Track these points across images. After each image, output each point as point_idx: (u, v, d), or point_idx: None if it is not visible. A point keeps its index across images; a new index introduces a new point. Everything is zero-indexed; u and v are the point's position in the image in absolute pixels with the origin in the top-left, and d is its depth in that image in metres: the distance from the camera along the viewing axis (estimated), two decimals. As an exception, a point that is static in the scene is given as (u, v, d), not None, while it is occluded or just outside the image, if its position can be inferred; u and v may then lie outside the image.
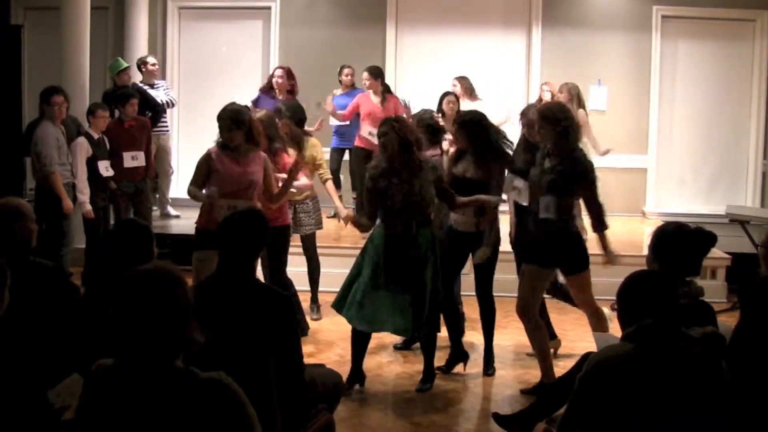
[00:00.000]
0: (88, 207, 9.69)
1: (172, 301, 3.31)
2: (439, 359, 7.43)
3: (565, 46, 13.97)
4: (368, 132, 11.07)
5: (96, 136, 9.94)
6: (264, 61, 14.32)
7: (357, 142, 11.64)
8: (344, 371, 6.78)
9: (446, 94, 11.12)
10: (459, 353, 7.56)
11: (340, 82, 12.24)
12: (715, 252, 8.36)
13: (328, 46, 13.78)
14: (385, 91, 11.68)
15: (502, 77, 13.64)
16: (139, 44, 13.51)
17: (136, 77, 12.30)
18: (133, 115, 10.39)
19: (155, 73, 12.25)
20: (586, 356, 4.69)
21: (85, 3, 11.31)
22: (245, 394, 3.34)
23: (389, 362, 7.79)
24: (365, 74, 11.77)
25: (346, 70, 12.18)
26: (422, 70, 13.97)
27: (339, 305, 7.00)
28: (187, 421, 3.20)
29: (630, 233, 12.03)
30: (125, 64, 11.81)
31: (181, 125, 14.05)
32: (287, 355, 4.53)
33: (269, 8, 14.33)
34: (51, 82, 10.20)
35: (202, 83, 14.06)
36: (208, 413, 3.23)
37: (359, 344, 7.11)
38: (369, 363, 7.66)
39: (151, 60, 12.25)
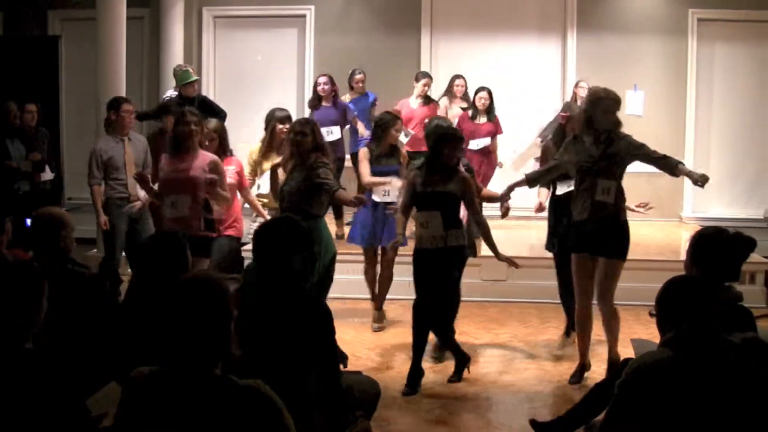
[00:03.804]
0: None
1: (217, 309, 3.33)
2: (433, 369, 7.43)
3: (601, 51, 13.91)
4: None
5: None
6: (299, 69, 14.37)
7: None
8: (380, 378, 6.79)
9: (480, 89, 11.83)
10: (461, 358, 7.59)
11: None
12: (754, 257, 8.30)
13: (363, 53, 13.78)
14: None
15: (538, 83, 13.60)
16: (175, 53, 13.59)
17: (169, 83, 12.40)
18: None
19: None
20: (626, 362, 4.67)
21: (121, 13, 11.39)
22: (283, 402, 3.35)
23: (426, 369, 7.78)
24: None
25: None
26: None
27: None
28: (224, 429, 3.21)
29: (667, 238, 11.98)
30: (194, 78, 11.87)
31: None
32: (325, 362, 4.53)
33: (304, 16, 14.38)
34: (88, 92, 10.29)
35: (238, 91, 14.11)
36: (245, 421, 3.23)
37: None
38: (405, 370, 7.68)
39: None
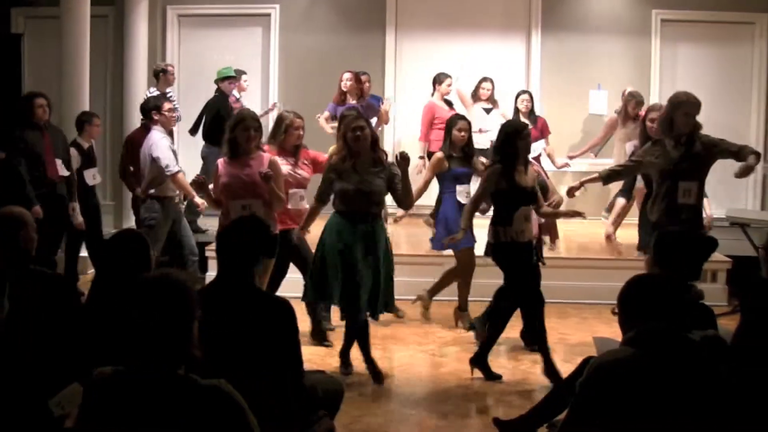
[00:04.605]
0: (80, 219, 9.63)
1: (180, 309, 3.33)
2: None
3: (565, 51, 13.99)
4: None
5: (86, 145, 9.89)
6: (264, 68, 14.34)
7: None
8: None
9: (522, 92, 12.10)
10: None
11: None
12: (716, 255, 8.38)
13: (328, 52, 13.78)
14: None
15: (502, 82, 13.60)
16: (139, 52, 13.51)
17: (135, 82, 12.38)
18: None
19: (172, 82, 12.26)
20: (587, 361, 4.69)
21: (84, 11, 11.32)
22: (246, 401, 3.35)
23: (392, 367, 7.78)
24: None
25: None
26: (422, 75, 13.95)
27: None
28: (187, 429, 3.21)
29: (630, 237, 12.02)
30: (233, 74, 11.98)
31: (181, 132, 13.88)
32: (288, 361, 4.53)
33: (269, 15, 14.35)
34: (51, 91, 10.19)
35: (202, 90, 14.02)
36: (208, 420, 3.23)
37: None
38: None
39: (170, 68, 12.25)
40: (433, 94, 12.22)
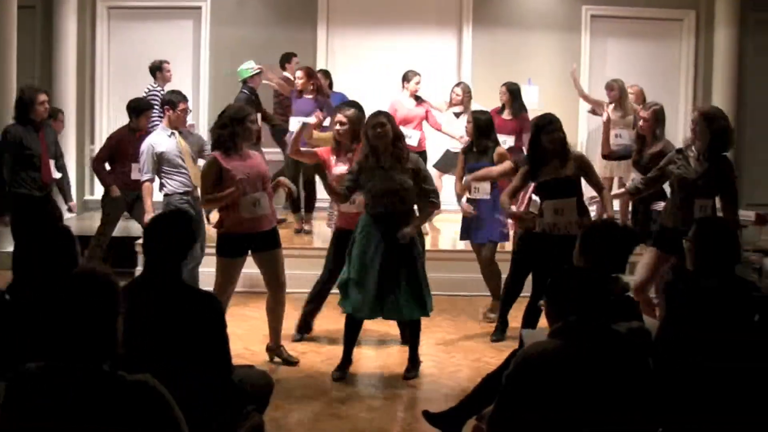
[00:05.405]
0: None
1: (105, 304, 3.30)
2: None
3: (496, 46, 14.08)
4: None
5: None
6: (195, 61, 14.24)
7: None
8: (274, 372, 6.80)
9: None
10: None
11: None
12: (642, 248, 8.48)
13: (259, 46, 13.70)
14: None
15: (433, 77, 13.65)
16: (68, 45, 13.36)
17: (63, 77, 12.18)
18: (146, 126, 10.19)
19: (169, 78, 12.11)
20: (514, 353, 4.73)
21: (11, 2, 11.14)
22: (173, 396, 3.33)
23: (322, 361, 7.77)
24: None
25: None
26: (353, 70, 13.99)
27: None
28: (113, 424, 3.18)
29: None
30: (257, 70, 12.02)
31: (111, 127, 13.62)
32: (216, 356, 4.51)
33: (200, 8, 14.25)
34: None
35: (132, 84, 13.87)
36: (134, 416, 3.21)
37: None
38: (301, 362, 7.68)
39: (166, 65, 12.11)
40: (402, 91, 12.17)
